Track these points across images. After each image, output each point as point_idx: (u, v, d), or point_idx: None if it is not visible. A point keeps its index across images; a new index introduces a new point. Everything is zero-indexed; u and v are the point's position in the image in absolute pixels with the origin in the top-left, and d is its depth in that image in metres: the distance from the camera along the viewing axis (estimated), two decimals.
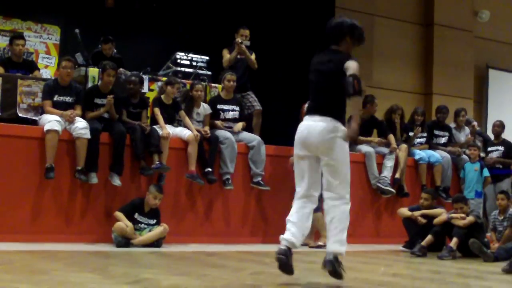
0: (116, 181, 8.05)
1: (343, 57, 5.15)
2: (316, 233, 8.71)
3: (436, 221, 8.54)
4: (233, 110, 9.34)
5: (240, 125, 9.27)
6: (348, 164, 5.13)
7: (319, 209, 8.45)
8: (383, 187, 9.79)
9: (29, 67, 9.07)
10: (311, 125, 5.15)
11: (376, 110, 10.42)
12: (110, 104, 8.24)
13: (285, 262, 4.99)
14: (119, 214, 7.70)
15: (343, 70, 5.03)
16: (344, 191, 5.09)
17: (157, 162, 8.26)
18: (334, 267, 4.96)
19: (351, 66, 5.01)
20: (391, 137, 10.26)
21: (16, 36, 9.26)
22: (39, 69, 9.41)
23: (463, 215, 8.30)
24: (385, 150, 10.09)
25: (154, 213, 7.91)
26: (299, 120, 8.61)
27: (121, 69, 9.35)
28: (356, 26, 5.38)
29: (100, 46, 10.06)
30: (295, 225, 5.11)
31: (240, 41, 9.85)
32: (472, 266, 7.23)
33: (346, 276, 5.29)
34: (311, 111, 5.25)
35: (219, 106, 9.24)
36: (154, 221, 7.89)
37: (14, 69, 8.80)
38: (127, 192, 8.13)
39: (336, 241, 5.03)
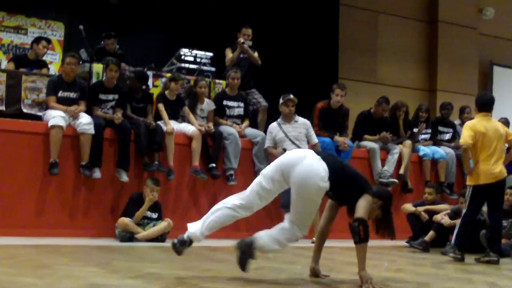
0: (124, 177, 8.06)
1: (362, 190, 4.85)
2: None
3: (434, 218, 8.60)
4: (238, 107, 9.36)
5: (244, 126, 9.31)
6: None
7: None
8: (384, 180, 9.80)
9: (41, 65, 9.17)
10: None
11: (383, 113, 10.41)
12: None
13: None
14: (126, 221, 7.68)
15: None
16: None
17: (156, 162, 8.29)
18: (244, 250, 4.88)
19: (361, 206, 4.76)
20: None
21: (45, 38, 9.48)
22: (48, 68, 9.51)
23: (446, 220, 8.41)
24: (389, 146, 10.10)
25: (154, 207, 7.93)
26: (312, 118, 8.70)
27: (125, 65, 9.40)
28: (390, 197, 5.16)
29: (102, 42, 10.09)
30: None
31: (242, 41, 9.87)
32: (474, 262, 7.22)
33: (350, 271, 5.31)
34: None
35: (224, 103, 9.27)
36: (156, 215, 7.91)
37: (28, 66, 8.89)
38: (130, 187, 8.15)
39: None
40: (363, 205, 4.75)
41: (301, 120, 8.84)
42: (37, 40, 9.30)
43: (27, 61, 9.08)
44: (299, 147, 8.34)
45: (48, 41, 9.44)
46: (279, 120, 8.84)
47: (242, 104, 9.40)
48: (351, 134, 10.39)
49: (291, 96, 8.68)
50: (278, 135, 8.67)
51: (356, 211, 4.73)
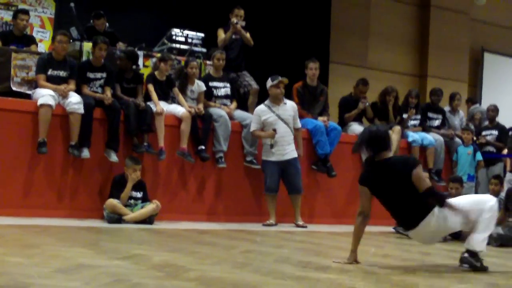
0: (113, 157, 8.04)
1: (407, 161, 5.27)
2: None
3: None
4: (224, 87, 9.33)
5: (233, 107, 9.28)
6: None
7: (300, 190, 8.48)
8: None
9: (28, 41, 9.04)
10: None
11: (361, 95, 10.44)
12: None
13: None
14: (114, 202, 7.68)
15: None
16: None
17: (145, 144, 8.28)
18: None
19: (423, 177, 5.10)
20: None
21: (21, 11, 9.27)
22: (37, 44, 9.38)
23: None
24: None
25: (138, 185, 7.92)
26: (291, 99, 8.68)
27: (119, 43, 9.40)
28: None
29: (92, 21, 10.01)
30: None
31: (236, 21, 9.83)
32: (462, 249, 7.24)
33: (336, 255, 5.33)
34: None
35: (211, 84, 9.23)
36: (140, 194, 7.91)
37: (15, 43, 8.78)
38: (119, 168, 8.10)
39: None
40: (423, 176, 5.11)
41: (289, 102, 8.89)
42: (15, 15, 9.14)
43: (13, 38, 8.93)
44: (290, 129, 8.60)
45: (25, 12, 9.22)
46: (267, 102, 8.84)
47: (228, 85, 9.37)
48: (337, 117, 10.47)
49: (283, 78, 8.69)
50: (269, 118, 8.64)
51: (422, 183, 5.02)
